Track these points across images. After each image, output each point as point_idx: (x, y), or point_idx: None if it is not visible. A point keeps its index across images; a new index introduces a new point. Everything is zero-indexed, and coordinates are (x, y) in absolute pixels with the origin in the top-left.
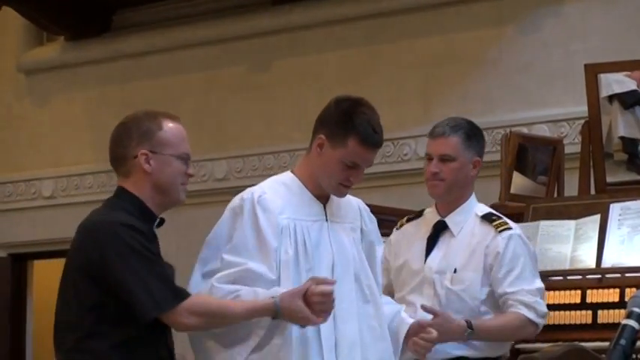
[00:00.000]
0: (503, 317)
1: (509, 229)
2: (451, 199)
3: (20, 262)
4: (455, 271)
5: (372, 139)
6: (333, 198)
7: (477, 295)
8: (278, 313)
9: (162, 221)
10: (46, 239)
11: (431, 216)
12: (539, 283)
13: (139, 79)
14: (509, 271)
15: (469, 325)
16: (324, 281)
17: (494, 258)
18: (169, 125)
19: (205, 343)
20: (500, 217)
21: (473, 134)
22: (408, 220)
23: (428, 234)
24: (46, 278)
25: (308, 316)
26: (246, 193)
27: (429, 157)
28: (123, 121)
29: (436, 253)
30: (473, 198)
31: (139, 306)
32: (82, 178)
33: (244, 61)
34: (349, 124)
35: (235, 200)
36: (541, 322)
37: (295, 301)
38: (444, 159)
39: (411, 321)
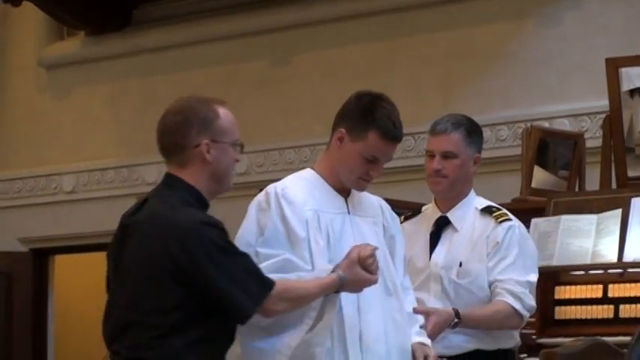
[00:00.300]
0: (490, 306)
1: (510, 220)
2: (453, 195)
3: (41, 257)
4: (460, 264)
5: (393, 132)
6: (355, 193)
7: (484, 286)
8: (342, 285)
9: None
10: (67, 234)
11: (431, 212)
12: (531, 278)
13: (159, 74)
14: (502, 259)
15: (457, 315)
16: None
17: (493, 247)
18: (224, 112)
19: (254, 338)
20: (499, 209)
21: (473, 131)
22: (406, 219)
23: (430, 230)
24: (67, 273)
25: (369, 277)
26: (269, 188)
27: (430, 154)
28: (176, 110)
29: (440, 248)
30: (472, 193)
31: (237, 305)
32: (104, 172)
33: (264, 56)
34: (370, 118)
35: (259, 196)
36: (526, 314)
37: (355, 268)
38: (447, 156)
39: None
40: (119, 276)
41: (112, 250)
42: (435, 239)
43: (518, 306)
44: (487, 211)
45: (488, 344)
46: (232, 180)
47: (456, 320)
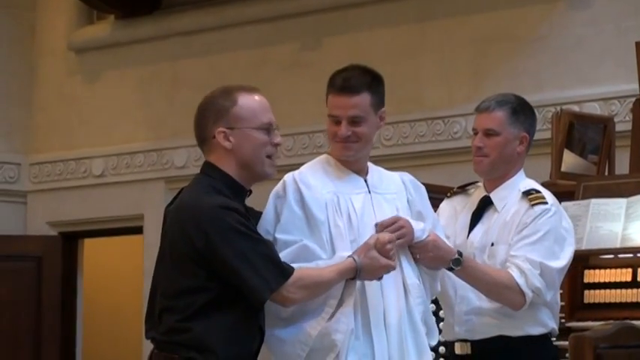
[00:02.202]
0: (495, 270)
1: (544, 203)
2: (497, 175)
3: (71, 240)
4: (492, 245)
5: (338, 84)
6: (373, 171)
7: None
8: (358, 270)
9: (249, 192)
10: (96, 217)
11: (478, 191)
12: (551, 262)
13: (189, 57)
14: (523, 238)
15: (459, 253)
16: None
17: (521, 229)
18: (245, 98)
19: (274, 328)
20: (538, 192)
21: (520, 109)
22: (456, 193)
23: (473, 209)
24: (96, 256)
25: (387, 262)
26: (286, 177)
27: (475, 132)
28: (201, 103)
29: (479, 228)
30: (521, 174)
31: (252, 290)
32: (133, 156)
33: (295, 39)
34: (329, 83)
35: (277, 185)
36: (529, 293)
37: (371, 252)
38: (489, 133)
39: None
40: (158, 264)
41: (160, 241)
42: (476, 219)
43: (521, 281)
44: (526, 194)
45: (512, 330)
46: (270, 164)
47: (457, 258)
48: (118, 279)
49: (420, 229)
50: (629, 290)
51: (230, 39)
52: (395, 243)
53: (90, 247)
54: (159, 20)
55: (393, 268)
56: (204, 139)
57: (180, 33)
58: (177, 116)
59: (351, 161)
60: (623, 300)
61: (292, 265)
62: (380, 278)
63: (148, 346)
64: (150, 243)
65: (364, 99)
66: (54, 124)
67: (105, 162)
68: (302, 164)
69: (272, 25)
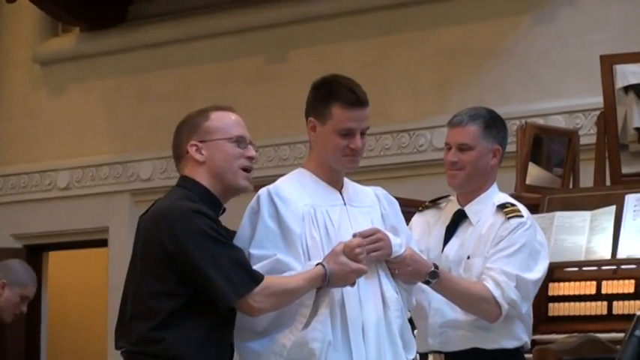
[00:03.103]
0: (471, 282)
1: (520, 216)
2: (471, 188)
3: (35, 253)
4: (468, 258)
5: (353, 98)
6: (348, 185)
7: None
8: (328, 277)
9: (223, 210)
10: (61, 230)
11: (451, 205)
12: (526, 275)
13: (155, 70)
14: (499, 251)
15: (435, 267)
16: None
17: (497, 243)
18: (218, 114)
19: (248, 340)
20: (513, 205)
21: (493, 123)
22: (420, 211)
23: (447, 223)
24: (61, 269)
25: (358, 267)
26: (260, 191)
27: (448, 147)
28: (178, 125)
29: (454, 242)
30: (494, 187)
31: (219, 293)
32: (98, 168)
33: (261, 52)
34: (329, 95)
35: (252, 200)
36: (505, 306)
37: (340, 258)
38: (462, 148)
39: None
40: (130, 271)
41: (132, 249)
42: (450, 233)
43: (497, 293)
44: (501, 207)
45: (487, 343)
46: (244, 177)
47: (434, 271)
48: (83, 292)
49: (398, 244)
50: (593, 303)
51: (196, 52)
52: (364, 247)
53: (55, 260)
54: (124, 33)
55: (365, 272)
56: (179, 155)
57: (146, 45)
58: (142, 129)
59: (326, 174)
60: (587, 313)
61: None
62: (353, 284)
63: (114, 359)
64: (115, 255)
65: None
66: (19, 136)
67: (70, 174)
68: (267, 177)
69: (238, 37)
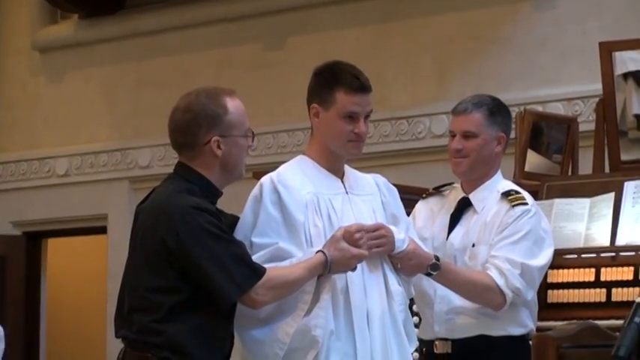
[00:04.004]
0: (474, 273)
1: (525, 204)
2: (476, 176)
3: (34, 240)
4: (473, 246)
5: (357, 83)
6: (349, 172)
7: None
8: (329, 264)
9: (220, 194)
10: (60, 217)
11: (455, 192)
12: (531, 262)
13: (153, 57)
14: (503, 239)
15: (437, 258)
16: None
17: (502, 231)
18: (232, 104)
19: (250, 328)
20: (517, 192)
21: (497, 110)
22: (431, 195)
23: (451, 210)
24: (60, 256)
25: (358, 252)
26: (263, 179)
27: (452, 134)
28: (185, 107)
29: (459, 229)
30: (498, 175)
31: (221, 292)
32: (97, 156)
33: (259, 39)
34: (331, 81)
35: (255, 188)
36: (509, 294)
37: (340, 244)
38: (467, 135)
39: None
40: (129, 261)
41: (130, 240)
42: (455, 220)
43: (500, 282)
44: (506, 194)
45: (493, 329)
46: (244, 167)
47: (435, 263)
48: (82, 279)
49: (401, 239)
50: (592, 290)
51: (194, 39)
52: (364, 232)
53: (54, 247)
54: (123, 20)
55: (366, 257)
56: (192, 144)
57: (144, 33)
58: (141, 116)
59: (328, 161)
60: (587, 300)
61: (267, 265)
62: (354, 269)
63: (112, 346)
64: (114, 242)
65: None
66: (17, 123)
67: (69, 162)
68: (265, 165)
69: (236, 24)
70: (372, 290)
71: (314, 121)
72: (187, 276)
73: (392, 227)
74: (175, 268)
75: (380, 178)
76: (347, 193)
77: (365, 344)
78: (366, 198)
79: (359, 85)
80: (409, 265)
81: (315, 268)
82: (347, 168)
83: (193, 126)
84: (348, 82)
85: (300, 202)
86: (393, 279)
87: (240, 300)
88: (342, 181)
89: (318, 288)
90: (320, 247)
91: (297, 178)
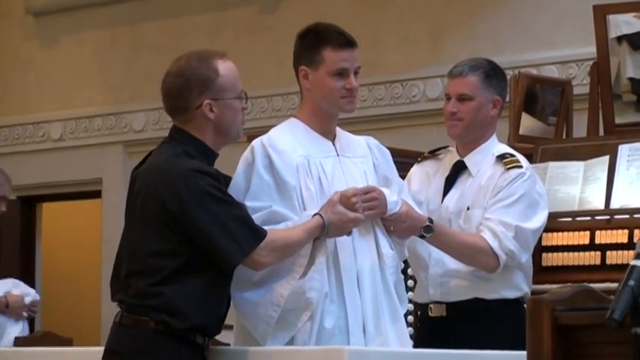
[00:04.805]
0: (467, 234)
1: (519, 167)
2: (471, 139)
3: (29, 204)
4: (468, 209)
5: (342, 38)
6: (341, 134)
7: None
8: (326, 227)
9: (216, 156)
10: (54, 182)
11: (450, 156)
12: (525, 224)
13: (148, 20)
14: (498, 201)
15: (430, 220)
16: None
17: (496, 193)
18: (224, 67)
19: (245, 291)
20: (512, 155)
21: (493, 73)
22: (426, 158)
23: (446, 174)
24: (54, 220)
25: (355, 215)
26: (254, 142)
27: (447, 97)
28: (177, 71)
29: (453, 193)
30: (494, 138)
31: (224, 254)
32: (91, 120)
33: (253, 2)
34: (317, 40)
35: (246, 151)
36: (503, 256)
37: (337, 207)
38: (462, 98)
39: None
40: (127, 226)
41: (126, 204)
42: (450, 183)
43: (494, 244)
44: (501, 157)
45: (487, 293)
46: (241, 129)
47: (428, 225)
48: (77, 243)
49: (394, 201)
50: (587, 253)
51: (189, 2)
52: (360, 197)
53: (48, 211)
54: None
55: (362, 220)
56: (184, 108)
57: None
58: (135, 80)
59: (319, 123)
60: (581, 263)
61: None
62: (349, 233)
63: (107, 309)
64: (108, 206)
65: None
66: (11, 88)
67: (63, 126)
68: (260, 128)
69: None
70: (362, 253)
71: (304, 83)
72: (189, 240)
73: (384, 189)
74: (177, 232)
75: (372, 140)
76: (338, 155)
77: (355, 306)
78: (357, 160)
79: (345, 40)
80: (402, 227)
81: (313, 231)
82: (339, 130)
83: (185, 90)
84: (334, 39)
85: (292, 166)
86: (384, 242)
87: (244, 262)
88: (334, 143)
89: (313, 251)
90: (316, 211)
91: (288, 142)
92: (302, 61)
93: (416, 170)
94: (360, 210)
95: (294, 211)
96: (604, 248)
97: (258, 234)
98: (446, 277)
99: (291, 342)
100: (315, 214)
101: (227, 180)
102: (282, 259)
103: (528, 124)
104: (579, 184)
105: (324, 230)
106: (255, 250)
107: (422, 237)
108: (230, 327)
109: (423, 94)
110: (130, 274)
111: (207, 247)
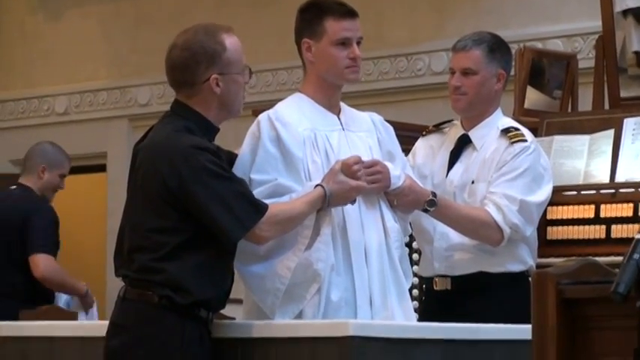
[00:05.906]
0: (471, 208)
1: (524, 141)
2: (475, 113)
3: None
4: (472, 183)
5: (343, 8)
6: (345, 109)
7: None
8: (328, 197)
9: (218, 130)
10: None
11: (455, 130)
12: (529, 197)
13: None
14: (502, 175)
15: (433, 194)
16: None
17: (500, 167)
18: (231, 42)
19: (251, 264)
20: (517, 129)
21: (497, 47)
22: (431, 132)
23: (451, 147)
24: (59, 194)
25: (357, 184)
26: (260, 116)
27: (452, 71)
28: (183, 44)
29: (458, 167)
30: (498, 112)
31: (225, 230)
32: (96, 94)
33: None
34: (318, 12)
35: (252, 125)
36: (507, 230)
37: (338, 177)
38: (466, 72)
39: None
40: (129, 201)
41: (128, 179)
42: (454, 157)
43: (498, 218)
44: (505, 131)
45: (492, 266)
46: (242, 104)
47: (432, 199)
48: (83, 217)
49: (397, 176)
50: (592, 227)
51: None
52: (362, 164)
53: None
54: None
55: (364, 189)
56: (191, 82)
57: None
58: (140, 54)
59: (323, 97)
60: (586, 236)
61: (267, 201)
62: (353, 202)
63: (112, 284)
64: (113, 180)
65: None
66: (16, 62)
67: (68, 100)
68: (265, 102)
69: None
70: (369, 227)
71: (307, 56)
72: (190, 216)
73: (388, 163)
74: (178, 209)
75: (376, 116)
76: (343, 129)
77: (363, 279)
78: (362, 134)
79: (346, 10)
80: (406, 200)
81: (315, 202)
82: (343, 105)
83: (192, 64)
84: (335, 9)
85: (298, 139)
86: (389, 216)
87: (245, 237)
88: (339, 117)
89: (318, 222)
90: (318, 181)
91: (294, 115)
92: (304, 34)
93: (421, 144)
94: (363, 178)
95: (300, 184)
96: (609, 222)
97: (259, 208)
98: (451, 250)
99: (300, 315)
100: (316, 185)
101: (230, 156)
102: (284, 233)
103: (533, 97)
104: (584, 158)
105: (326, 200)
106: (256, 225)
107: (425, 211)
108: (236, 301)
109: (428, 68)
110: (132, 249)
111: (208, 224)
